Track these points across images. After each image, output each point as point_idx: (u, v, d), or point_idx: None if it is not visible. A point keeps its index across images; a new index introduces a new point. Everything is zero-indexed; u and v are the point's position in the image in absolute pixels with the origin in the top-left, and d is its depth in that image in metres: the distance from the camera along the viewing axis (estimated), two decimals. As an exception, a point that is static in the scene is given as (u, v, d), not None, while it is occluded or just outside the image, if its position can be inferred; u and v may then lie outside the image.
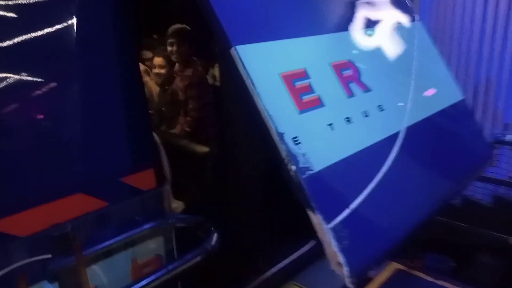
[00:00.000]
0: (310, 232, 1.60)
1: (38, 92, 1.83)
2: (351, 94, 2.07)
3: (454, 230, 3.94)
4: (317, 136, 1.82)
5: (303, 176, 1.63)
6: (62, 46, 1.87)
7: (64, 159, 1.90)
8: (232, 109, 2.96)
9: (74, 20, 1.90)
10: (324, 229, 1.56)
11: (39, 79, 1.82)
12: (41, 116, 1.84)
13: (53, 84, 1.86)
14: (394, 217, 1.87)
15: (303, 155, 1.68)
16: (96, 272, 2.00)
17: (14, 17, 1.79)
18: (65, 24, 1.90)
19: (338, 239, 1.58)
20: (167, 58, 4.00)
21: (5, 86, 1.72)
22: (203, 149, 3.38)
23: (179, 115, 3.81)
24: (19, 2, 1.80)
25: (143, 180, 2.14)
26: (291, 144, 1.67)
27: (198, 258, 1.80)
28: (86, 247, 1.74)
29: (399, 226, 1.87)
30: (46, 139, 1.84)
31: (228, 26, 1.73)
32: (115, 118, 2.05)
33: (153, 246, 2.28)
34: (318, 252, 1.68)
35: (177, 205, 3.37)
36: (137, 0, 2.19)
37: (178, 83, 3.76)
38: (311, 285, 3.18)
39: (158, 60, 4.03)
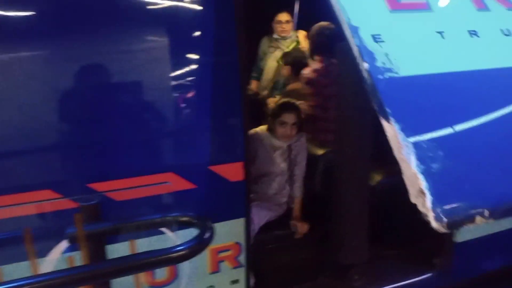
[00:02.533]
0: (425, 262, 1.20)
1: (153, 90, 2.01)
2: (483, 7, 1.65)
3: None
4: (415, 39, 1.46)
5: (380, 76, 1.27)
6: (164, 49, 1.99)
7: (162, 145, 2.09)
8: (347, 116, 2.59)
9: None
10: (401, 142, 1.16)
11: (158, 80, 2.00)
12: (151, 112, 2.05)
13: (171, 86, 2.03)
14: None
15: (386, 54, 1.32)
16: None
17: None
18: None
19: (422, 158, 1.16)
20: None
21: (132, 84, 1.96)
22: (317, 151, 3.06)
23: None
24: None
25: (231, 171, 2.16)
26: (369, 40, 1.34)
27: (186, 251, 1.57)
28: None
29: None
30: (151, 127, 2.05)
31: None
32: (209, 114, 2.10)
33: (233, 232, 2.29)
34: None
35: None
36: None
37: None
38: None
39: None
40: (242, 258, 2.31)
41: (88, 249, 1.57)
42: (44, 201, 1.83)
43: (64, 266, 1.74)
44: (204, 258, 2.22)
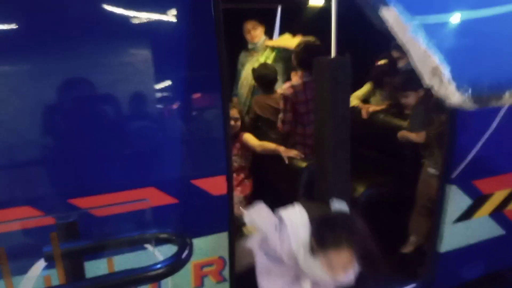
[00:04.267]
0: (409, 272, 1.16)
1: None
2: None
3: None
4: None
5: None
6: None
7: (142, 160, 2.05)
8: (325, 128, 2.50)
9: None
10: (405, 23, 1.06)
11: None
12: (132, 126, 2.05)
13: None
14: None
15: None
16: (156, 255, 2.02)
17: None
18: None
19: (432, 35, 1.05)
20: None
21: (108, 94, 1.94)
22: (300, 163, 3.04)
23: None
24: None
25: (214, 185, 2.14)
26: None
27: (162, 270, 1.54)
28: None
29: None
30: (132, 141, 2.03)
31: None
32: (191, 127, 2.10)
33: (216, 247, 2.26)
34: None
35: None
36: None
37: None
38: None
39: None
40: (226, 273, 2.28)
41: (65, 268, 1.53)
42: (23, 219, 1.79)
43: (41, 286, 1.70)
44: (188, 273, 2.20)
